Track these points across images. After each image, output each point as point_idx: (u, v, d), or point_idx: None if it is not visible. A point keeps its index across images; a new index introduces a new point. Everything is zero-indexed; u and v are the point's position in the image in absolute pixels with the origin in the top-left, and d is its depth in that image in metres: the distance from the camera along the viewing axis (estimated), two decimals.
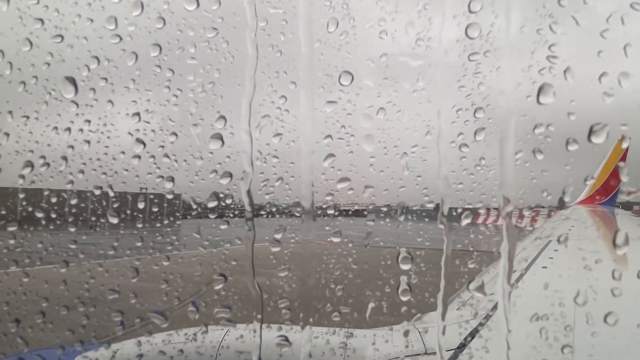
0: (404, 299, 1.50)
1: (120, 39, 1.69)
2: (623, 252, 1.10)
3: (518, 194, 1.57)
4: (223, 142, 1.53)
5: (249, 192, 1.41)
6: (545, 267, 2.97)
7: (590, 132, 1.22)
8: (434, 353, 2.11)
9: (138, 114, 1.76)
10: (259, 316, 1.42)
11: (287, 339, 1.98)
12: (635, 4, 1.55)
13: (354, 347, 2.36)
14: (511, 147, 1.41)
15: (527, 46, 1.66)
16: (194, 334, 2.53)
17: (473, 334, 2.00)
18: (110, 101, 1.85)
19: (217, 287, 1.54)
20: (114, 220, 1.75)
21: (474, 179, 2.10)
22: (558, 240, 3.58)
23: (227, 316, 1.63)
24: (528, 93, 1.66)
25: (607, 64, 1.54)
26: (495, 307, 2.14)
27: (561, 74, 1.52)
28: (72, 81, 1.46)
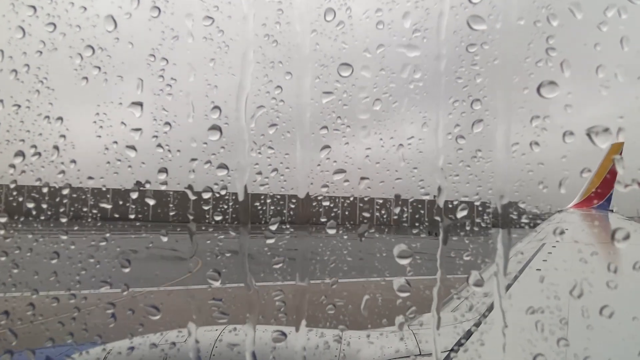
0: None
1: (115, 27, 1.66)
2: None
3: (514, 186, 1.57)
4: (221, 133, 1.52)
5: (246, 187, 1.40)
6: (540, 270, 2.98)
7: (590, 134, 1.21)
8: (429, 354, 2.09)
9: (133, 103, 1.73)
10: (254, 313, 1.41)
11: (283, 333, 1.96)
12: None
13: (348, 347, 2.34)
14: (508, 139, 1.40)
15: (525, 38, 1.66)
16: (188, 333, 2.51)
17: (468, 335, 1.99)
18: (103, 90, 1.83)
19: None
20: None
21: (471, 170, 2.10)
22: (554, 233, 3.59)
23: (220, 309, 1.61)
24: (525, 85, 1.65)
25: (604, 56, 1.54)
26: (490, 308, 2.13)
27: (558, 66, 1.51)
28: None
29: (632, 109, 1.66)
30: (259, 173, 1.82)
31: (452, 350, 1.82)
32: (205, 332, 2.47)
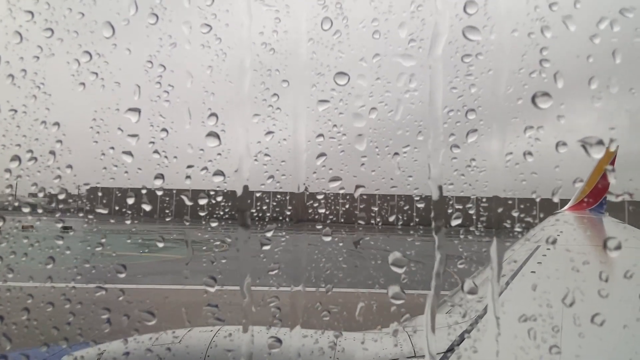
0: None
1: (113, 33, 1.67)
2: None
3: (508, 195, 1.59)
4: (218, 139, 1.52)
5: (245, 188, 1.40)
6: (534, 272, 2.99)
7: (584, 145, 1.23)
8: (423, 356, 2.09)
9: (130, 109, 1.74)
10: (249, 316, 1.41)
11: (278, 340, 1.97)
12: (624, 11, 1.58)
13: (343, 349, 2.34)
14: (502, 149, 1.42)
15: (519, 49, 1.68)
16: (183, 335, 2.50)
17: (461, 341, 2.00)
18: (100, 96, 1.83)
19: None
20: None
21: (465, 179, 2.12)
22: (546, 241, 3.62)
23: (215, 314, 1.62)
24: (519, 95, 1.67)
25: (597, 68, 1.56)
26: (484, 312, 2.14)
27: (551, 77, 1.53)
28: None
29: (623, 120, 1.69)
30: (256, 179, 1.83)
31: (444, 356, 1.83)
32: (200, 333, 2.46)
